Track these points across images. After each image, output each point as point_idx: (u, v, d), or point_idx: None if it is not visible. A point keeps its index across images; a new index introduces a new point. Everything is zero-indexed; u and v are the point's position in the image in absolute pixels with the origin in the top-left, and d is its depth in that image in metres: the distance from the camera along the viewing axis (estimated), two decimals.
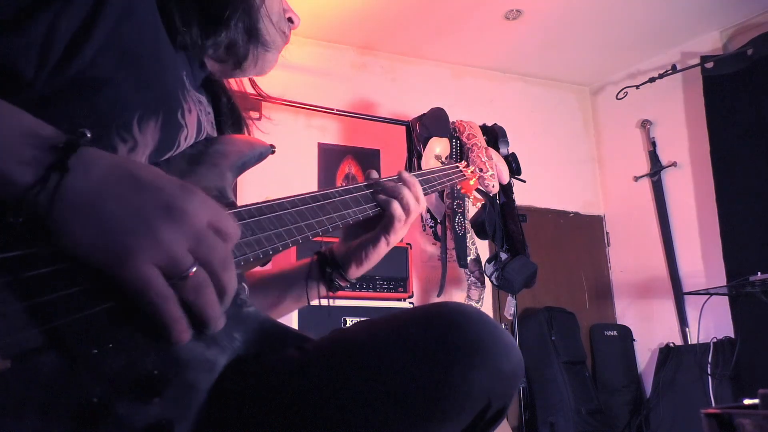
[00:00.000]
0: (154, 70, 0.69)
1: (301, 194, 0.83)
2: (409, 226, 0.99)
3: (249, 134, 0.98)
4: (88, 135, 0.52)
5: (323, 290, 1.01)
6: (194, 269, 0.54)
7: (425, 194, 1.06)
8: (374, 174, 0.99)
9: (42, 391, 0.47)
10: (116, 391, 0.51)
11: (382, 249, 0.99)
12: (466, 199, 1.49)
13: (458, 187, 1.33)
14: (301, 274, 1.01)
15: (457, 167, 1.29)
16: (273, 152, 0.80)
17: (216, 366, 0.62)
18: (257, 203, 0.74)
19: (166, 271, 0.53)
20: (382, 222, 0.97)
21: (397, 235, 0.98)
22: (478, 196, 1.38)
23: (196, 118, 0.79)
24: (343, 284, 1.02)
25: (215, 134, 0.87)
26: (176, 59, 0.76)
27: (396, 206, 0.95)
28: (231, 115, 0.95)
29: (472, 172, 1.34)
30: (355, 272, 1.02)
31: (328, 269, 1.00)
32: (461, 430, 0.64)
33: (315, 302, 1.01)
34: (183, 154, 0.76)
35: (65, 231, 0.51)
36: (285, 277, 1.03)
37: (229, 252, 0.58)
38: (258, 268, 0.93)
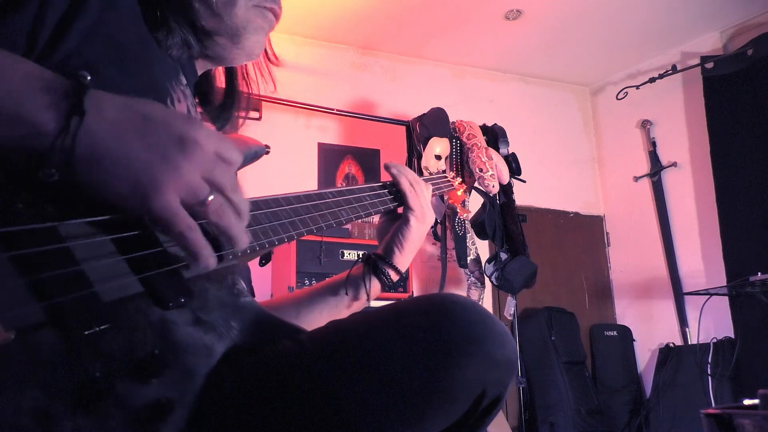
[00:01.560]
0: (140, 59, 0.70)
1: (305, 191, 0.85)
2: (426, 200, 1.08)
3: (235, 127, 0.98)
4: (88, 77, 0.53)
5: (377, 286, 1.05)
6: (212, 196, 0.57)
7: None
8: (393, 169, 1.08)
9: (44, 365, 0.48)
10: (116, 370, 0.52)
11: (414, 230, 1.06)
12: (460, 206, 1.51)
13: (446, 197, 1.36)
14: (345, 285, 1.04)
15: (446, 177, 1.32)
16: (267, 152, 0.81)
17: (213, 352, 0.63)
18: (254, 198, 0.75)
19: (188, 200, 0.56)
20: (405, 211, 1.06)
21: (417, 210, 1.06)
22: (466, 207, 1.40)
23: (186, 109, 0.79)
24: (394, 277, 1.07)
25: None
26: (162, 55, 0.77)
27: (404, 182, 1.06)
28: (221, 114, 0.95)
29: (459, 183, 1.37)
30: (400, 258, 1.07)
31: (380, 269, 1.05)
32: (457, 419, 0.64)
33: (373, 301, 1.05)
34: None
35: (92, 174, 0.53)
36: (329, 292, 1.05)
37: (235, 176, 0.62)
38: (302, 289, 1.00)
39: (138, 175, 0.53)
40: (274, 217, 0.76)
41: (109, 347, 0.52)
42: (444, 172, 1.35)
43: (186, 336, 0.59)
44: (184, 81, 0.82)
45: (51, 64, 0.59)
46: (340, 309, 1.04)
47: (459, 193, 1.37)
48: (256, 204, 0.75)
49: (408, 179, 1.06)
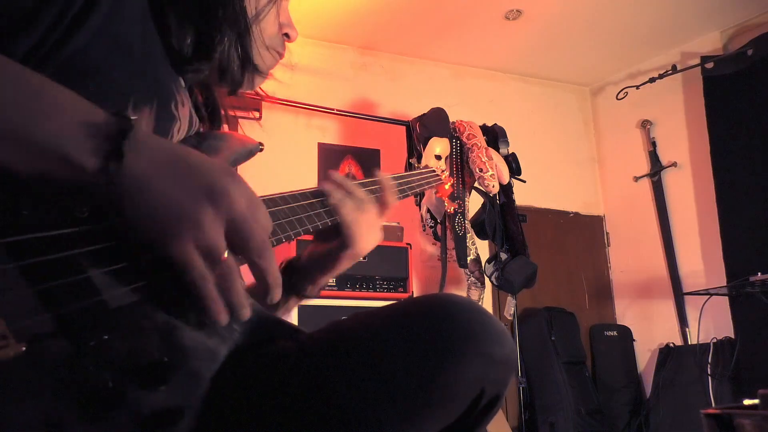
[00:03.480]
0: (146, 60, 0.70)
1: (300, 190, 0.84)
2: (370, 234, 0.91)
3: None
4: (134, 118, 0.54)
5: (293, 302, 0.94)
6: (225, 255, 0.57)
7: (403, 197, 1.05)
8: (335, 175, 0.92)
9: (55, 376, 0.48)
10: (125, 378, 0.52)
11: (347, 260, 0.92)
12: (447, 199, 1.52)
13: (434, 191, 1.37)
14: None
15: (433, 171, 1.32)
16: (261, 150, 0.81)
17: (217, 355, 0.63)
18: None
19: (202, 252, 0.55)
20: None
21: (356, 245, 0.89)
22: (453, 201, 1.41)
23: (189, 112, 0.79)
24: (310, 294, 0.95)
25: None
26: (166, 59, 0.77)
27: (345, 210, 0.88)
28: (211, 114, 0.95)
29: (447, 176, 1.37)
30: (324, 280, 0.94)
31: (298, 282, 0.94)
32: (456, 418, 0.65)
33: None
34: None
35: (120, 212, 0.53)
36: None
37: (266, 240, 0.60)
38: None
39: (162, 220, 0.54)
40: (273, 217, 0.76)
41: (118, 355, 0.52)
42: (432, 168, 1.34)
43: (191, 340, 0.60)
44: (183, 83, 0.82)
45: (58, 61, 0.59)
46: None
47: (446, 186, 1.39)
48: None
49: (349, 216, 0.88)
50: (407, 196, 1.10)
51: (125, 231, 0.54)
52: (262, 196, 0.72)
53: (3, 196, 0.50)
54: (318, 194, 0.86)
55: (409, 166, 3.60)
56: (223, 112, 0.96)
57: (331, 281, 2.99)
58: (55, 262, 0.51)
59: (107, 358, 0.51)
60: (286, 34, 0.93)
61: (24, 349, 0.46)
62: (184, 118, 0.77)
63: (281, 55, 0.93)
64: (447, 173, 1.38)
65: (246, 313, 0.60)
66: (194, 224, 0.54)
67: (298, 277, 0.94)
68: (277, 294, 0.62)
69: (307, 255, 0.95)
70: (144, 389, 0.53)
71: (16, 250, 0.49)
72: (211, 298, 0.57)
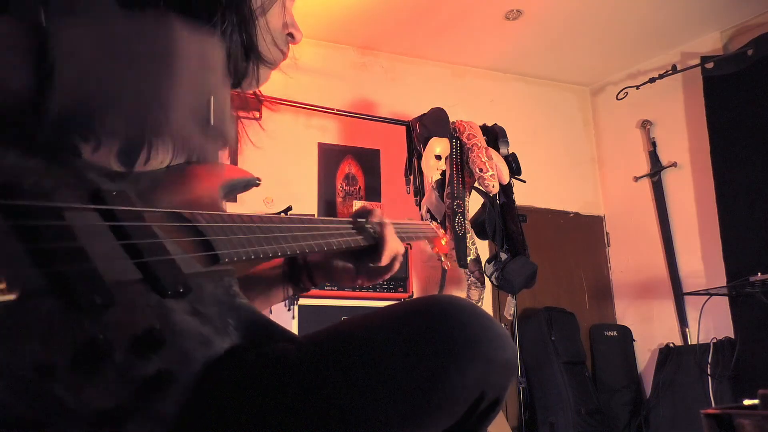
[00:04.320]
0: None
1: (296, 216, 0.90)
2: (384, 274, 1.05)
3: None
4: None
5: (290, 290, 1.04)
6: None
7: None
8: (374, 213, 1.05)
9: (46, 325, 0.49)
10: (117, 338, 0.53)
11: (349, 277, 1.04)
12: (444, 256, 1.56)
13: (430, 245, 1.41)
14: (275, 273, 1.04)
15: (430, 225, 1.36)
16: (258, 184, 0.83)
17: (211, 343, 0.63)
18: (251, 215, 0.79)
19: None
20: (369, 257, 1.02)
21: (376, 275, 1.04)
22: (451, 258, 1.44)
23: None
24: (308, 286, 1.04)
25: None
26: None
27: (388, 252, 1.02)
28: None
29: (443, 233, 1.41)
30: (322, 280, 1.05)
31: (299, 274, 1.03)
32: (456, 421, 0.64)
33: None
34: (177, 167, 0.75)
35: None
36: (265, 276, 1.05)
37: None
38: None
39: None
40: (269, 231, 0.80)
41: (110, 320, 0.54)
42: (431, 222, 1.39)
43: (184, 323, 0.60)
44: None
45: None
46: (270, 299, 1.04)
47: (443, 242, 1.41)
48: (251, 219, 0.79)
49: (390, 258, 1.04)
50: (403, 240, 1.15)
51: None
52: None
53: None
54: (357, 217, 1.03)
55: (409, 168, 3.61)
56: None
57: None
58: (51, 228, 0.52)
59: (100, 320, 0.53)
60: (291, 35, 0.93)
61: (14, 297, 0.47)
62: None
63: (285, 54, 0.93)
64: (443, 231, 1.42)
65: None
66: None
67: (302, 271, 1.03)
68: None
69: (318, 257, 1.04)
70: (134, 353, 0.54)
71: (12, 211, 0.50)
72: None
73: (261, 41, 0.86)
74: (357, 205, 3.89)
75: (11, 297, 0.47)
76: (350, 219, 1.03)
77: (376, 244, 1.02)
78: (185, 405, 0.58)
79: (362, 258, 1.03)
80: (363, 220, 1.03)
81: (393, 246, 1.03)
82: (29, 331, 0.48)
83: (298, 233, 0.87)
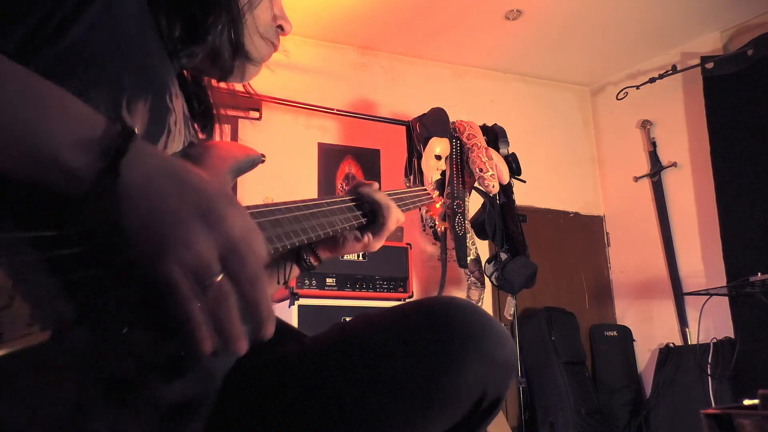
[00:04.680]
0: (142, 53, 0.69)
1: (294, 201, 0.85)
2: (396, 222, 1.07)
3: (217, 130, 0.98)
4: (136, 131, 0.52)
5: (295, 270, 1.02)
6: (219, 277, 0.52)
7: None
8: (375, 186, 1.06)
9: (79, 362, 0.49)
10: (145, 368, 0.53)
11: (359, 247, 1.04)
12: (438, 218, 1.56)
13: (426, 210, 1.40)
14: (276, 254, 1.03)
15: (425, 190, 1.34)
16: (263, 161, 0.82)
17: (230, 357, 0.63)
18: (255, 206, 0.76)
19: (195, 275, 0.52)
20: (371, 226, 1.03)
21: (380, 243, 1.06)
22: (444, 220, 1.44)
23: (181, 105, 0.79)
24: (314, 263, 1.03)
25: (191, 128, 0.87)
26: (163, 49, 0.76)
27: (390, 216, 1.02)
28: (203, 110, 0.94)
29: (438, 195, 1.40)
30: (327, 255, 1.04)
31: (302, 251, 1.02)
32: (458, 420, 0.65)
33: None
34: (182, 154, 0.76)
35: (110, 226, 0.51)
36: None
37: (261, 270, 0.56)
38: None
39: (150, 236, 0.51)
40: (277, 224, 0.76)
41: (138, 347, 0.53)
42: (423, 188, 1.38)
43: None
44: (175, 74, 0.82)
45: (53, 55, 0.58)
46: (272, 280, 1.02)
47: (437, 205, 1.41)
48: (261, 213, 0.76)
49: (393, 221, 1.05)
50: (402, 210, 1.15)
51: (116, 245, 0.52)
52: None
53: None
54: (352, 195, 1.02)
55: (409, 168, 3.60)
56: (215, 111, 0.96)
57: (332, 281, 2.99)
58: (75, 256, 0.51)
59: (128, 349, 0.52)
60: (280, 27, 0.92)
61: (48, 336, 0.46)
62: (179, 110, 0.77)
63: (275, 46, 0.92)
64: (438, 193, 1.41)
65: (240, 346, 0.54)
66: (182, 242, 0.51)
67: (305, 250, 1.01)
68: (270, 329, 0.56)
69: None
70: (162, 381, 0.54)
71: (39, 243, 0.49)
72: (196, 321, 0.51)
73: (248, 39, 0.85)
74: None
75: (45, 337, 0.46)
76: (348, 195, 1.02)
77: (378, 216, 1.02)
78: (209, 421, 0.58)
79: (365, 227, 1.04)
80: (361, 194, 1.03)
81: (395, 216, 1.04)
82: (63, 370, 0.48)
83: (305, 222, 0.85)
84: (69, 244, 0.51)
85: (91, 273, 0.52)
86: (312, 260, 1.01)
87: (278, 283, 0.99)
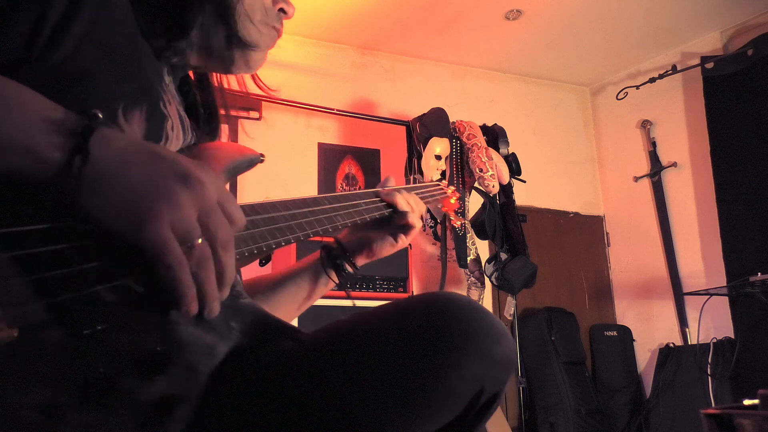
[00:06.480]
0: (132, 61, 0.69)
1: (301, 197, 0.86)
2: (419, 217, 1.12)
3: (221, 135, 0.98)
4: (101, 116, 0.53)
5: (334, 277, 1.07)
6: (200, 240, 0.55)
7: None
8: (391, 181, 1.11)
9: (49, 362, 0.48)
10: (121, 366, 0.52)
11: (396, 247, 1.10)
12: (453, 214, 1.53)
13: (439, 205, 1.38)
14: (307, 269, 1.06)
15: (439, 185, 1.33)
16: (262, 161, 0.81)
17: (215, 351, 0.63)
18: (251, 203, 0.76)
19: (177, 237, 0.53)
20: (397, 225, 1.07)
21: (409, 240, 1.10)
22: (458, 216, 1.42)
23: (176, 110, 0.79)
24: (351, 271, 1.08)
25: (189, 132, 0.86)
26: (152, 54, 0.76)
27: (415, 216, 1.08)
28: (209, 113, 0.94)
29: (453, 191, 1.38)
30: (362, 261, 1.09)
31: (338, 260, 1.07)
32: (456, 416, 0.65)
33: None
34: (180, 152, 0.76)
35: (89, 201, 0.52)
36: (293, 276, 1.06)
37: (232, 235, 0.58)
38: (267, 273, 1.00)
39: (135, 203, 0.52)
40: (272, 221, 0.77)
41: (113, 345, 0.53)
42: (440, 180, 1.36)
43: (187, 335, 0.60)
44: (167, 79, 0.81)
45: (45, 72, 0.59)
46: (299, 298, 1.05)
47: (452, 201, 1.38)
48: (254, 208, 0.76)
49: (405, 199, 1.08)
50: None
51: (93, 224, 0.53)
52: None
53: None
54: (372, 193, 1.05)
55: (409, 168, 3.61)
56: (222, 111, 0.95)
57: None
58: (45, 254, 0.51)
59: (103, 348, 0.52)
60: (282, 10, 0.89)
61: (16, 335, 0.46)
62: (174, 116, 0.76)
63: (278, 31, 0.90)
64: (452, 188, 1.39)
65: (215, 307, 0.58)
66: (171, 203, 0.53)
67: (341, 255, 1.07)
68: (225, 293, 0.59)
69: (354, 239, 1.09)
70: (140, 378, 0.53)
71: (3, 242, 0.49)
72: (186, 284, 0.54)
73: (242, 26, 0.83)
74: None
75: (13, 335, 0.46)
76: (370, 191, 1.05)
77: (397, 210, 1.05)
78: (193, 419, 0.58)
79: (390, 225, 1.07)
80: (381, 190, 1.07)
81: (418, 209, 1.09)
82: (32, 371, 0.47)
83: (322, 216, 0.88)
84: (41, 241, 0.51)
85: (64, 270, 0.51)
86: (348, 268, 1.07)
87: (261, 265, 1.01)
